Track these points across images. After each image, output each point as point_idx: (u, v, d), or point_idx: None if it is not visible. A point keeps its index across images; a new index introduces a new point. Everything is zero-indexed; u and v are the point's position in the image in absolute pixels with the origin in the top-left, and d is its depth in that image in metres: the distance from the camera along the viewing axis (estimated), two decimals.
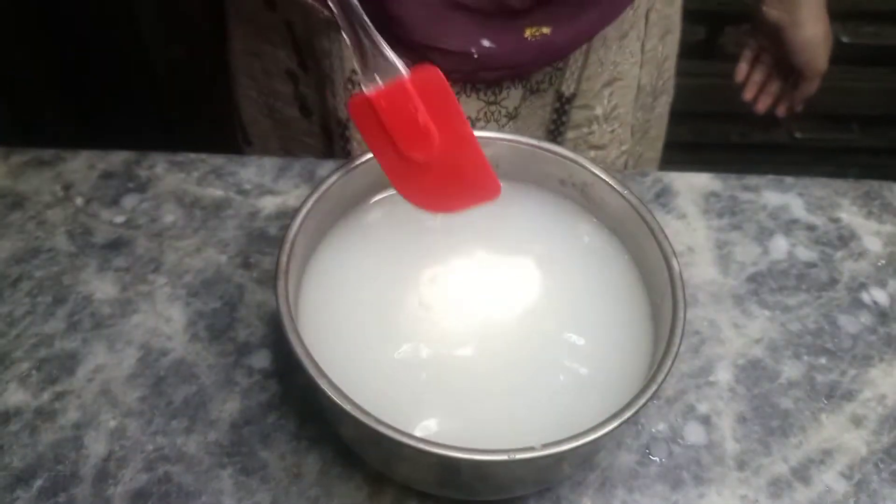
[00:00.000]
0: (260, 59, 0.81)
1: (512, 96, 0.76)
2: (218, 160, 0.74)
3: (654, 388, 0.46)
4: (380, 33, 0.69)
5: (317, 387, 0.45)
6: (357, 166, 0.56)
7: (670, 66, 0.90)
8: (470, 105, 0.75)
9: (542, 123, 0.81)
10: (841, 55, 1.46)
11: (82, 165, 0.73)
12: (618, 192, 0.56)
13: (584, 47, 0.76)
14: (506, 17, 0.68)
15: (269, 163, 0.74)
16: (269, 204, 0.71)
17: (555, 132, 0.82)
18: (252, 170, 0.73)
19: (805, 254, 0.70)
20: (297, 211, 0.53)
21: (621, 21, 0.76)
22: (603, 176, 0.57)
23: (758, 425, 0.60)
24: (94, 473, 0.56)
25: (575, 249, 0.59)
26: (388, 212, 0.60)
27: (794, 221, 0.72)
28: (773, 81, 1.00)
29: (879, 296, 0.68)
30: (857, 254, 0.71)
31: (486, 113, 0.76)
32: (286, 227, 0.52)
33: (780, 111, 1.02)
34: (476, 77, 0.72)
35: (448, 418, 0.50)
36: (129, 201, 0.70)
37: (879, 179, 0.77)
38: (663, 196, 0.73)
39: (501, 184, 0.54)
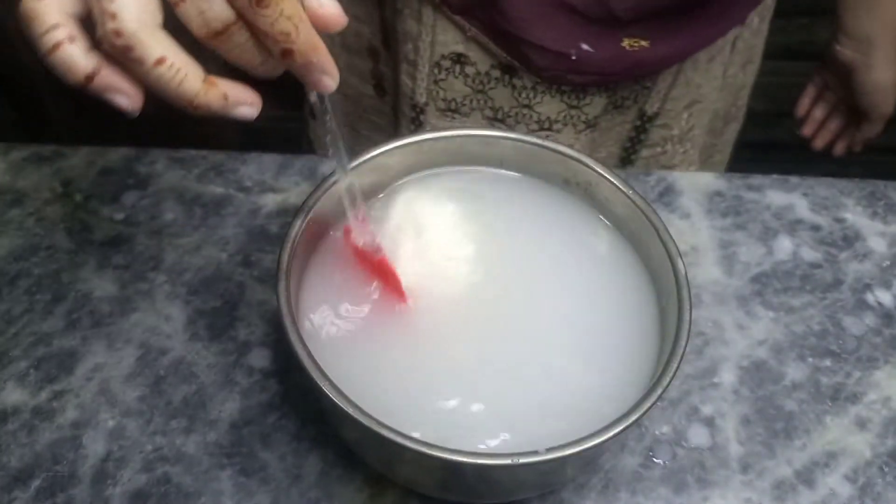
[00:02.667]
0: (342, 32, 0.81)
1: (595, 104, 0.76)
2: (218, 157, 0.73)
3: (658, 391, 0.46)
4: (481, 23, 0.70)
5: (318, 388, 0.45)
6: (359, 164, 0.56)
7: (745, 94, 0.90)
8: (552, 106, 0.75)
9: (619, 140, 0.82)
10: None
11: (82, 162, 0.72)
12: (622, 191, 0.56)
13: (675, 68, 0.76)
14: (608, 24, 0.68)
15: (270, 160, 0.73)
16: (270, 201, 0.70)
17: (630, 149, 0.83)
18: (253, 167, 0.72)
19: (810, 254, 0.70)
20: (298, 209, 0.53)
21: (712, 46, 0.76)
22: (607, 175, 0.56)
23: (762, 428, 0.60)
24: (93, 474, 0.55)
25: (579, 249, 0.58)
26: (390, 210, 0.59)
27: (799, 221, 0.72)
28: (835, 119, 0.99)
29: (884, 297, 0.67)
30: (861, 254, 0.70)
31: (566, 115, 0.76)
32: (287, 226, 0.52)
33: (838, 150, 1.01)
34: (565, 79, 0.72)
35: (450, 420, 0.49)
36: (129, 198, 0.70)
37: (882, 177, 0.77)
38: (667, 195, 0.73)
39: (506, 183, 0.54)
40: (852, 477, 0.58)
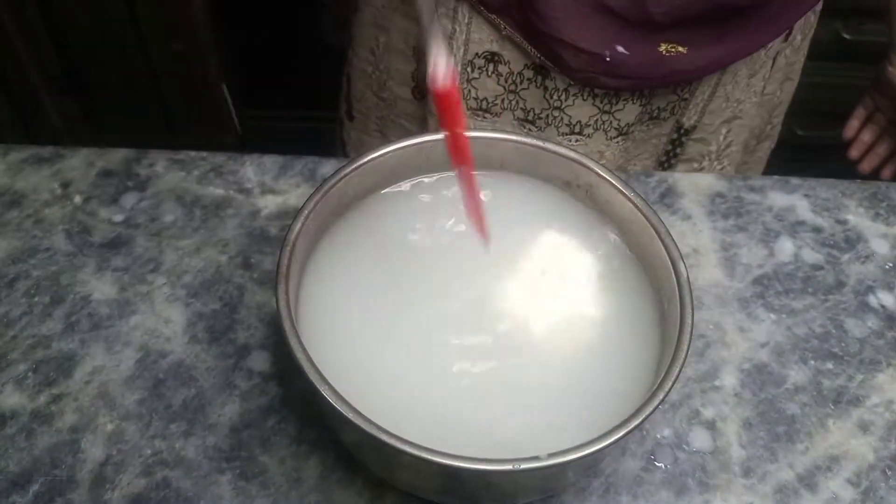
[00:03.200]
0: (388, 32, 0.81)
1: (627, 110, 0.75)
2: (218, 158, 0.73)
3: (660, 396, 0.45)
4: (515, 22, 0.70)
5: (317, 392, 0.45)
6: (359, 166, 0.55)
7: (781, 112, 0.89)
8: (583, 109, 0.75)
9: (655, 153, 0.81)
10: (843, 52, 1.46)
11: (81, 163, 0.72)
12: (623, 193, 0.56)
13: (714, 80, 0.75)
14: (645, 27, 0.68)
15: (270, 161, 0.73)
16: (270, 203, 0.70)
17: (665, 163, 0.82)
18: (253, 168, 0.72)
19: (811, 256, 0.69)
20: (298, 211, 0.52)
21: (753, 60, 0.76)
22: (608, 177, 0.56)
23: (764, 431, 0.59)
24: (92, 478, 0.55)
25: (581, 251, 0.58)
26: (391, 211, 0.59)
27: (801, 223, 0.72)
28: (883, 143, 0.95)
29: (887, 299, 0.67)
30: (863, 256, 0.70)
31: (597, 120, 0.76)
32: (287, 228, 0.52)
33: (886, 174, 0.97)
34: (598, 81, 0.72)
35: (451, 424, 0.49)
36: (129, 200, 0.70)
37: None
38: (668, 197, 0.72)
39: (507, 185, 0.53)
40: (855, 481, 0.57)
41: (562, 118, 0.76)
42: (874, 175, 0.98)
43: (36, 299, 0.63)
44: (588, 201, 0.59)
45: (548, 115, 0.76)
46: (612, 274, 0.57)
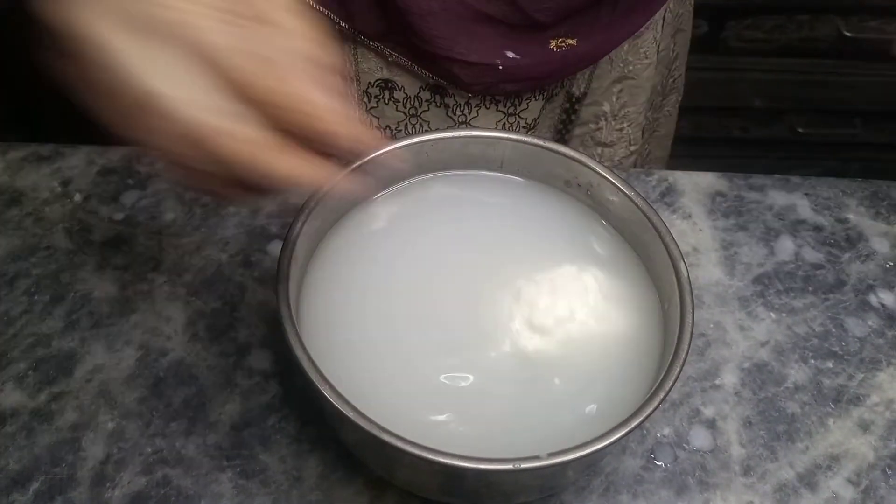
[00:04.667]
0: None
1: (532, 108, 0.75)
2: None
3: (661, 395, 0.45)
4: (400, 46, 0.68)
5: (318, 391, 0.45)
6: (360, 165, 0.55)
7: (680, 64, 0.89)
8: (489, 117, 0.74)
9: (552, 125, 0.80)
10: (843, 50, 1.46)
11: (81, 161, 0.72)
12: (623, 193, 0.56)
13: None
14: (531, 29, 0.67)
15: None
16: (270, 202, 0.70)
17: (562, 130, 0.81)
18: None
19: (812, 255, 0.69)
20: (299, 210, 0.52)
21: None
22: (608, 177, 0.56)
23: (764, 430, 0.59)
24: (92, 476, 0.55)
25: (581, 251, 0.58)
26: (392, 210, 0.59)
27: (801, 222, 0.72)
28: None
29: (887, 298, 0.67)
30: (864, 255, 0.70)
31: (504, 124, 0.75)
32: (288, 227, 0.52)
33: None
34: (498, 88, 0.71)
35: (451, 423, 0.49)
36: (129, 198, 0.70)
37: (882, 174, 0.77)
38: (668, 196, 0.72)
39: (506, 184, 0.53)
40: (855, 480, 0.58)
41: None
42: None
43: (36, 297, 0.63)
44: (588, 200, 0.59)
45: None
46: (612, 273, 0.57)
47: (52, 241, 0.66)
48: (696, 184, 0.73)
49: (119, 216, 0.68)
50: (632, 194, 0.55)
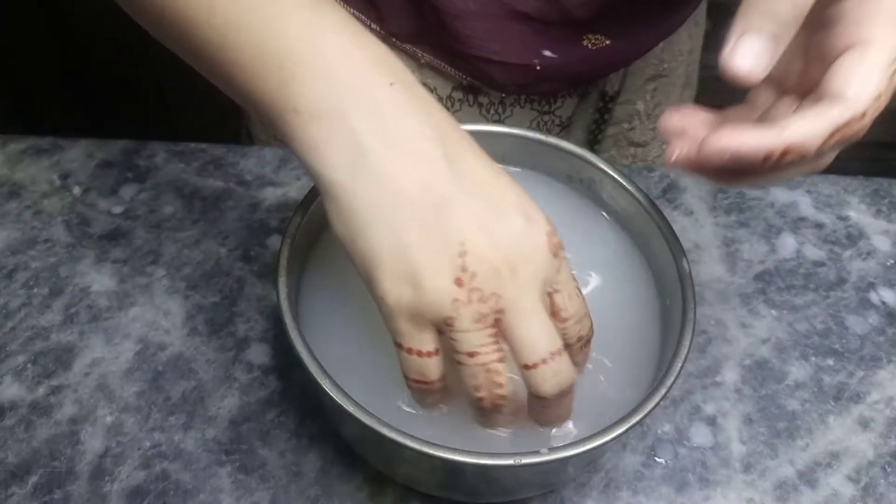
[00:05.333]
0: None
1: (566, 105, 0.75)
2: (218, 150, 0.72)
3: (662, 392, 0.45)
4: (433, 48, 0.68)
5: (318, 386, 0.44)
6: None
7: (695, 58, 0.88)
8: (523, 115, 0.74)
9: (585, 125, 0.80)
10: None
11: (80, 154, 0.72)
12: (626, 188, 0.55)
13: None
14: (567, 26, 0.66)
15: (271, 154, 0.72)
16: (270, 195, 0.69)
17: (595, 131, 0.81)
18: (253, 160, 0.72)
19: (813, 252, 0.69)
20: (299, 204, 0.52)
21: None
22: (611, 172, 0.56)
23: (764, 427, 0.59)
24: (91, 470, 0.55)
25: (582, 246, 0.57)
26: None
27: (803, 219, 0.71)
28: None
29: (888, 296, 0.67)
30: (865, 253, 0.70)
31: (538, 122, 0.75)
32: (288, 220, 0.51)
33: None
34: (533, 88, 0.71)
35: (452, 419, 0.49)
36: (128, 191, 0.69)
37: (884, 172, 0.76)
38: (670, 192, 0.72)
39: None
40: (855, 477, 0.57)
41: None
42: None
43: (35, 291, 0.63)
44: (590, 196, 0.59)
45: None
46: (614, 269, 0.57)
47: (50, 234, 0.66)
48: (697, 180, 0.73)
49: (118, 209, 0.68)
50: (633, 190, 0.55)
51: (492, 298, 0.40)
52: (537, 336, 0.41)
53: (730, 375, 0.62)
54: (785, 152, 0.39)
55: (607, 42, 0.68)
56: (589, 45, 0.68)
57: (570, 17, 0.65)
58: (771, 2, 0.39)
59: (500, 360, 0.41)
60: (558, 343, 0.41)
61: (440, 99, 0.73)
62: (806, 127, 0.39)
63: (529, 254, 0.41)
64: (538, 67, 0.68)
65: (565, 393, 0.43)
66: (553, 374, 0.41)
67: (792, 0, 0.39)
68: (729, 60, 0.39)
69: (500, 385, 0.42)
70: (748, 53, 0.39)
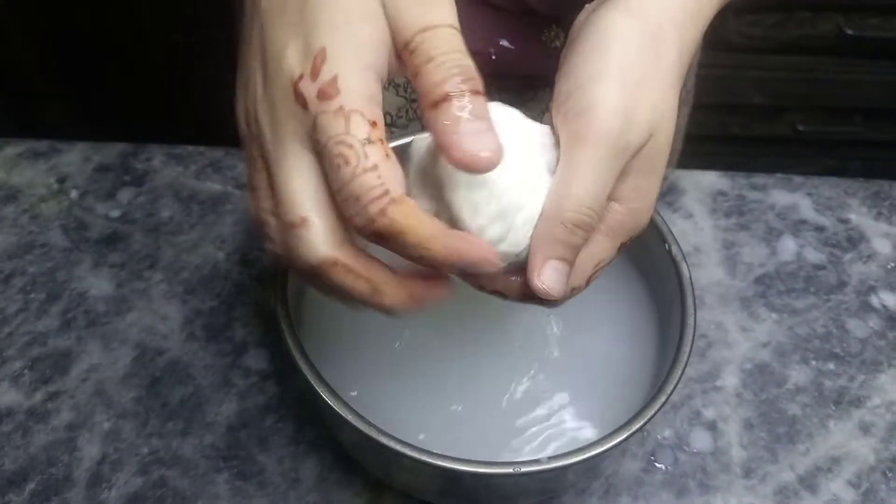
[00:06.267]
0: None
1: (543, 98, 0.74)
2: (216, 153, 0.72)
3: (662, 398, 0.45)
4: None
5: (316, 392, 0.44)
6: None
7: (691, 75, 0.88)
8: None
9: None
10: (844, 47, 1.46)
11: (78, 158, 0.71)
12: None
13: None
14: (526, 18, 0.66)
15: None
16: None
17: None
18: None
19: (813, 255, 0.69)
20: None
21: None
22: None
23: (764, 432, 0.59)
24: (88, 477, 0.54)
25: None
26: None
27: (803, 222, 0.71)
28: None
29: (889, 299, 0.67)
30: (865, 256, 0.69)
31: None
32: None
33: None
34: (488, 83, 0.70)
35: (451, 425, 0.49)
36: (125, 195, 0.69)
37: (883, 172, 0.76)
38: (669, 195, 0.72)
39: None
40: (856, 482, 0.57)
41: None
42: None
43: (32, 296, 0.63)
44: None
45: None
46: (613, 273, 0.56)
47: (47, 238, 0.66)
48: (697, 183, 0.73)
49: (115, 213, 0.68)
50: None
51: (255, 142, 0.40)
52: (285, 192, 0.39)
53: (730, 380, 0.61)
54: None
55: (564, 39, 0.68)
56: (547, 41, 0.68)
57: (528, 9, 0.65)
58: None
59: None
60: (298, 212, 0.39)
61: (408, 83, 0.72)
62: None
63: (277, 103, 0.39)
64: (493, 57, 0.67)
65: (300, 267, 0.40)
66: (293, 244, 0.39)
67: None
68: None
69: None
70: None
